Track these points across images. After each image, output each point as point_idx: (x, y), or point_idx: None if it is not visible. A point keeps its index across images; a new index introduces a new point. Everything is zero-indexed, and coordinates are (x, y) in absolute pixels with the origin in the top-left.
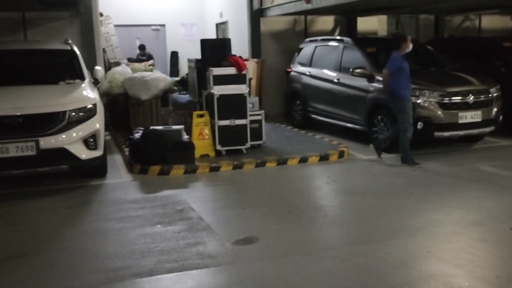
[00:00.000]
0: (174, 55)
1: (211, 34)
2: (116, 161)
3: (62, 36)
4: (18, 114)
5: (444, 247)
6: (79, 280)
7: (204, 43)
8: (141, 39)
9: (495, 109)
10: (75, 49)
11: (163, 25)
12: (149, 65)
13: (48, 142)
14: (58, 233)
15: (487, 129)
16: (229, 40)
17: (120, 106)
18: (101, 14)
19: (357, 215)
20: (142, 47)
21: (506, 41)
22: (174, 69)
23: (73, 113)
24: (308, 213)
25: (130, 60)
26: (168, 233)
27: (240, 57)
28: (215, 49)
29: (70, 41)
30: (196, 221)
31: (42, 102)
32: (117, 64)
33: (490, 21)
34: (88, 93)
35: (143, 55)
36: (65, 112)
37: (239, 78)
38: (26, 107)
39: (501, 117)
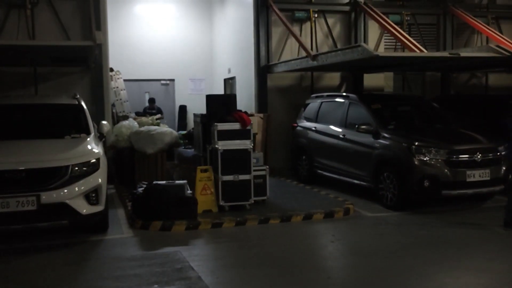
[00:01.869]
0: (183, 109)
1: (219, 89)
2: (119, 216)
3: (73, 90)
4: (21, 168)
5: None
6: None
7: (210, 98)
8: (150, 93)
9: (504, 168)
10: (83, 103)
11: (172, 80)
12: (157, 119)
13: (49, 197)
14: None
15: (497, 188)
16: (234, 95)
17: (126, 160)
18: (112, 69)
19: (362, 278)
20: (151, 101)
21: None
22: (182, 123)
23: (76, 168)
24: (310, 274)
25: (138, 114)
26: None
27: (246, 112)
28: (221, 105)
29: (78, 96)
30: (195, 281)
31: (45, 157)
32: (125, 117)
33: (497, 79)
34: (92, 148)
35: (152, 109)
36: (68, 166)
37: (243, 134)
38: (28, 161)
39: (510, 176)
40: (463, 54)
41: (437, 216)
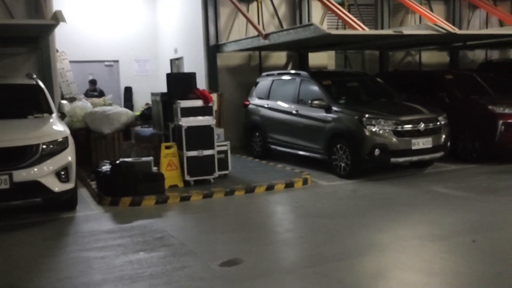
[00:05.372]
0: (128, 91)
1: (166, 70)
2: (83, 195)
3: (18, 71)
4: None
5: (415, 259)
6: None
7: (170, 77)
8: (94, 75)
9: (443, 136)
10: (40, 83)
11: (117, 61)
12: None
13: (21, 175)
14: (40, 264)
15: (437, 155)
16: (194, 74)
17: (81, 141)
18: (57, 50)
19: (330, 236)
20: (93, 82)
21: (448, 74)
22: (128, 105)
23: (45, 146)
24: (284, 235)
25: (88, 95)
26: (153, 259)
27: (206, 90)
28: (181, 83)
29: (34, 76)
30: (178, 247)
31: (15, 136)
32: (73, 99)
33: (429, 56)
34: (58, 127)
35: (94, 91)
36: (38, 145)
37: (206, 110)
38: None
39: (449, 143)
40: (406, 31)
41: (386, 182)
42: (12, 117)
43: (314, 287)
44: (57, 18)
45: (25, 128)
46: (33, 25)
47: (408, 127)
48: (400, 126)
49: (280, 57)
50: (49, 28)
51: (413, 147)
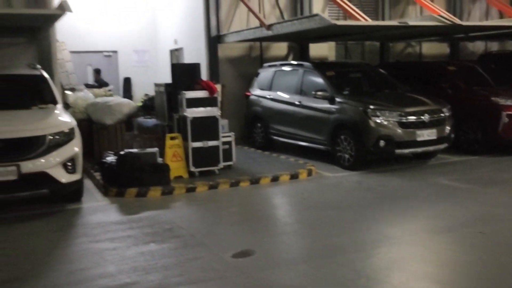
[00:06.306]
0: (127, 81)
1: (165, 61)
2: (88, 186)
3: (17, 62)
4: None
5: (425, 251)
6: None
7: (175, 67)
8: (93, 66)
9: (448, 127)
10: (45, 73)
11: (115, 52)
12: (109, 90)
13: (29, 166)
14: (51, 255)
15: (442, 146)
16: (199, 64)
17: (83, 132)
18: (56, 40)
19: (341, 227)
20: (97, 71)
21: (451, 65)
22: (127, 95)
23: (52, 137)
24: (294, 226)
25: (88, 86)
26: (165, 250)
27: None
28: (186, 73)
29: (38, 66)
30: (189, 238)
31: (22, 127)
32: (73, 90)
33: (429, 48)
34: (64, 118)
35: (96, 81)
36: (44, 136)
37: (211, 101)
38: (6, 131)
39: (453, 135)
40: (411, 22)
41: (391, 174)
42: (16, 108)
43: (332, 277)
44: (63, 7)
45: (31, 119)
46: (37, 15)
47: (412, 118)
48: (405, 118)
49: (281, 48)
50: (53, 18)
51: (418, 139)
